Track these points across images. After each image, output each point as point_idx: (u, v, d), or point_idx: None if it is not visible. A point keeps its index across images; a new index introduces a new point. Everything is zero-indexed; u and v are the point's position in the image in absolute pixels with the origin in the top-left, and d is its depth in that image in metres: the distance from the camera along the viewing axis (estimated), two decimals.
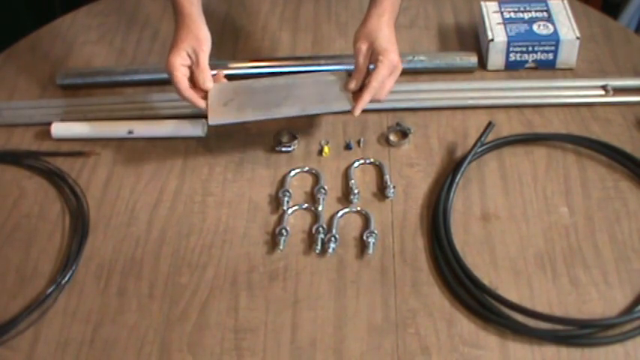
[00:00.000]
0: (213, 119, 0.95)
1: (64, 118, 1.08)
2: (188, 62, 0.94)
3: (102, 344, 0.83)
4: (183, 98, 0.95)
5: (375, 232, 0.90)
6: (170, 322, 0.84)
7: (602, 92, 1.05)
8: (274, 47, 1.19)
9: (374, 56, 0.94)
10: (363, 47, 0.94)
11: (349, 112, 0.94)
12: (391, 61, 0.93)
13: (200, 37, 0.94)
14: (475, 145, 0.96)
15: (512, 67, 1.10)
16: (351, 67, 0.96)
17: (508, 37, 1.08)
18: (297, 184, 0.98)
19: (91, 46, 1.23)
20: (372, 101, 0.94)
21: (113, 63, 1.19)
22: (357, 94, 0.95)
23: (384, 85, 0.93)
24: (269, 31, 1.22)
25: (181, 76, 0.94)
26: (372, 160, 1.00)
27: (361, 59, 0.94)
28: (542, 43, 1.07)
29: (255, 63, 1.12)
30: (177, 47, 0.93)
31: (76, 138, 1.06)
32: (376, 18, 0.95)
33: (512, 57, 1.09)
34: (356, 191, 0.94)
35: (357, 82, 0.95)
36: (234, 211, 0.95)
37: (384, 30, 0.94)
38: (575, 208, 0.92)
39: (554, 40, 1.07)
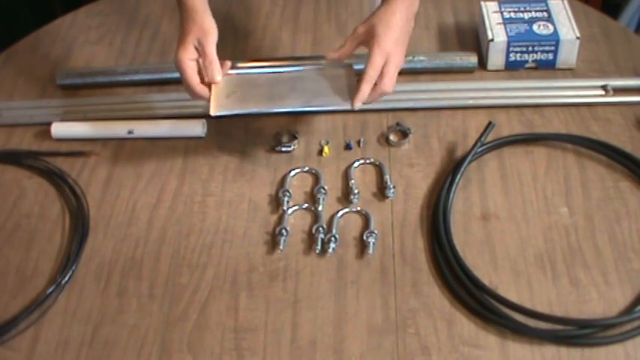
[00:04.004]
0: (216, 110, 0.93)
1: (64, 118, 1.08)
2: (196, 56, 0.92)
3: (102, 344, 0.83)
4: (194, 94, 0.93)
5: (375, 232, 0.90)
6: (170, 322, 0.84)
7: (602, 92, 1.05)
8: (274, 47, 1.19)
9: (368, 43, 0.91)
10: (360, 29, 0.92)
11: (352, 110, 0.93)
12: (382, 47, 0.89)
13: (205, 27, 0.91)
14: (475, 145, 0.96)
15: (512, 67, 1.10)
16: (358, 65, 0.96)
17: (508, 37, 1.08)
18: (297, 184, 0.98)
19: (91, 46, 1.23)
20: (379, 95, 0.91)
21: (113, 63, 1.19)
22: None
23: (384, 74, 0.90)
24: (269, 31, 1.22)
25: (191, 72, 0.91)
26: (372, 160, 1.00)
27: (350, 39, 0.93)
28: (542, 43, 1.07)
29: (255, 63, 1.12)
30: (184, 42, 0.91)
31: (76, 138, 1.06)
32: (384, 7, 0.92)
33: (512, 57, 1.09)
34: (356, 191, 0.94)
35: (336, 54, 0.94)
36: (234, 211, 0.95)
37: (386, 17, 0.91)
38: (575, 208, 0.92)
39: (554, 40, 1.07)
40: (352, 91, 0.92)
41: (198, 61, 0.93)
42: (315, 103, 0.94)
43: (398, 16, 0.92)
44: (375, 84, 0.90)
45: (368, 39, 0.91)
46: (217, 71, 0.92)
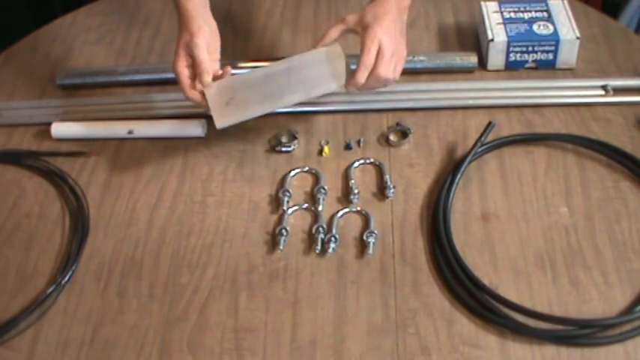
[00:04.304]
0: (220, 122, 0.93)
1: (64, 118, 1.08)
2: (189, 62, 0.93)
3: (102, 344, 0.83)
4: (188, 99, 0.94)
5: (375, 232, 0.90)
6: (170, 322, 0.84)
7: (602, 92, 1.05)
8: (274, 47, 1.19)
9: (360, 33, 0.92)
10: (349, 18, 0.94)
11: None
12: (371, 34, 0.90)
13: (193, 30, 0.92)
14: (475, 145, 0.96)
15: (512, 67, 1.10)
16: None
17: (508, 37, 1.08)
18: (297, 184, 0.98)
19: (91, 46, 1.23)
20: (378, 82, 0.92)
21: (113, 63, 1.19)
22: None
23: (378, 59, 0.90)
24: (269, 31, 1.22)
25: (184, 79, 0.93)
26: (372, 160, 1.00)
27: (337, 26, 0.94)
28: (542, 43, 1.07)
29: (256, 63, 1.11)
30: (177, 49, 0.93)
31: (76, 138, 1.06)
32: (375, 4, 0.93)
33: (512, 57, 1.09)
34: (356, 191, 0.94)
35: (320, 42, 0.94)
36: (234, 211, 0.95)
37: (376, 8, 0.92)
38: (575, 208, 0.92)
39: (554, 40, 1.07)
40: (348, 72, 0.93)
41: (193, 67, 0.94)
42: (314, 93, 0.95)
43: (387, 7, 0.93)
44: (372, 70, 0.91)
45: (358, 29, 0.93)
46: (205, 73, 0.92)
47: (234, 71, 0.98)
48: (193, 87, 0.93)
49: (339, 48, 0.94)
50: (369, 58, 0.91)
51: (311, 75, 0.95)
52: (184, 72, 0.93)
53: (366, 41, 0.91)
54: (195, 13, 0.93)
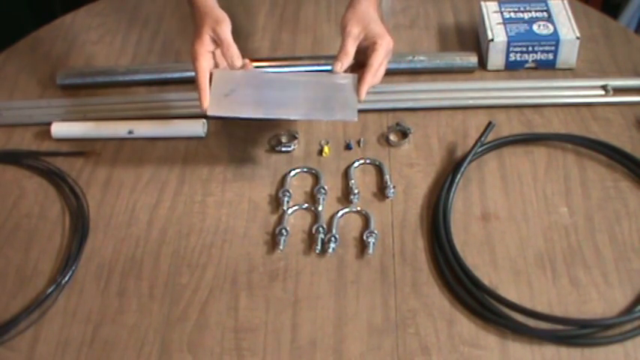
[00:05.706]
0: (212, 110, 0.92)
1: (64, 118, 1.08)
2: (212, 47, 0.92)
3: (102, 344, 0.83)
4: (197, 88, 0.91)
5: (375, 232, 0.90)
6: (170, 322, 0.84)
7: (602, 92, 1.05)
8: (274, 47, 1.19)
9: (368, 40, 0.93)
10: (355, 31, 0.93)
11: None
12: (388, 44, 0.92)
13: (218, 17, 0.92)
14: (475, 145, 0.96)
15: (512, 67, 1.10)
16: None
17: (508, 37, 1.08)
18: (297, 184, 0.98)
19: (91, 46, 1.23)
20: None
21: (113, 63, 1.19)
22: (359, 81, 0.93)
23: (380, 68, 0.93)
24: (269, 31, 1.22)
25: (205, 65, 0.91)
26: (372, 160, 1.00)
27: (351, 42, 0.93)
28: (542, 43, 1.07)
29: (255, 63, 1.11)
30: (199, 34, 0.91)
31: (76, 138, 1.06)
32: (365, 3, 0.95)
33: (512, 57, 1.09)
34: (356, 191, 0.94)
35: (342, 65, 0.93)
36: (234, 211, 0.95)
37: (374, 15, 0.94)
38: (575, 208, 0.92)
39: (554, 40, 1.07)
40: (354, 103, 0.92)
41: (214, 54, 0.93)
42: (315, 115, 0.94)
43: (377, 13, 0.94)
44: None
45: (367, 43, 0.93)
46: (236, 56, 0.92)
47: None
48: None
49: (353, 80, 0.94)
50: (378, 65, 0.92)
51: (317, 98, 0.94)
52: (207, 58, 0.92)
53: (382, 50, 0.92)
54: (213, 3, 0.94)
